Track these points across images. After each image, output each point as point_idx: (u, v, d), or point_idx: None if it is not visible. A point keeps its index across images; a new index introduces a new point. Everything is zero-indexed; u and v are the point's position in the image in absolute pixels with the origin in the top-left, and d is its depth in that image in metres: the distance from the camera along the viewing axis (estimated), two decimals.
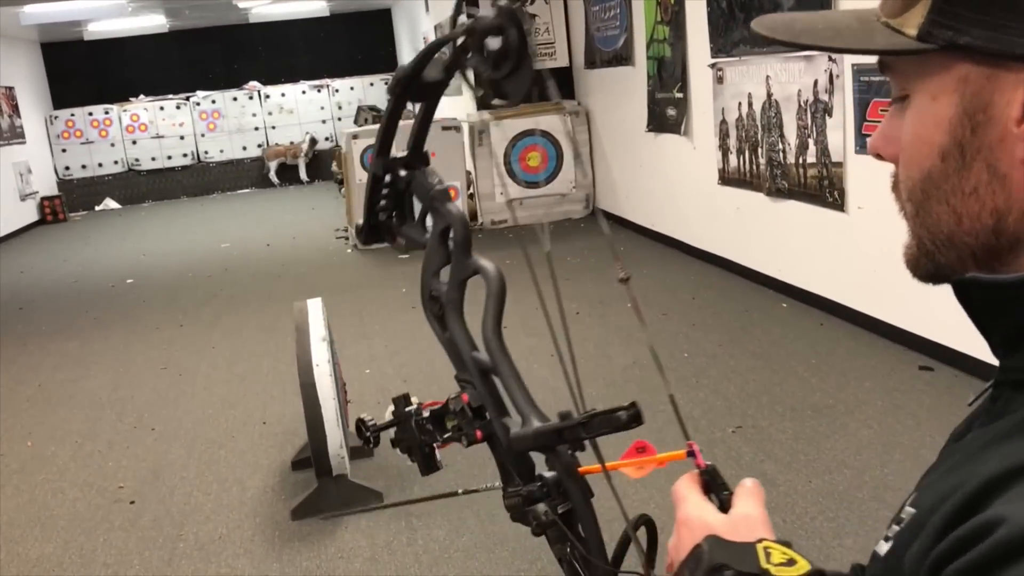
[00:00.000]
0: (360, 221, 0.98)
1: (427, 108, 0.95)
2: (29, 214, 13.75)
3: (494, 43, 0.81)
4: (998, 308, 0.62)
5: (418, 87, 0.90)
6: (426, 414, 0.97)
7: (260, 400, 4.86)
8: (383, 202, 0.97)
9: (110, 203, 15.41)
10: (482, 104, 9.43)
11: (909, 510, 0.65)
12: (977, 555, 0.51)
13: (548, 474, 0.84)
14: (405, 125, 0.94)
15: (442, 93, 0.93)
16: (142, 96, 15.82)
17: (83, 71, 15.84)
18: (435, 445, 0.96)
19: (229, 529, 3.50)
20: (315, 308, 3.69)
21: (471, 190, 9.27)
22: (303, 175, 15.78)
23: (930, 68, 0.61)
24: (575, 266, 7.23)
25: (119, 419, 4.82)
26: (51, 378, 5.70)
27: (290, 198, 14.19)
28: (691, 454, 0.77)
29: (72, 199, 14.98)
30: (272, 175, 15.75)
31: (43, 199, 14.20)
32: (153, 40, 15.27)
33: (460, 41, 0.82)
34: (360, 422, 1.03)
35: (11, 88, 13.91)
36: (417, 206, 0.96)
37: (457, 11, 0.88)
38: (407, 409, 0.98)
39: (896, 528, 0.66)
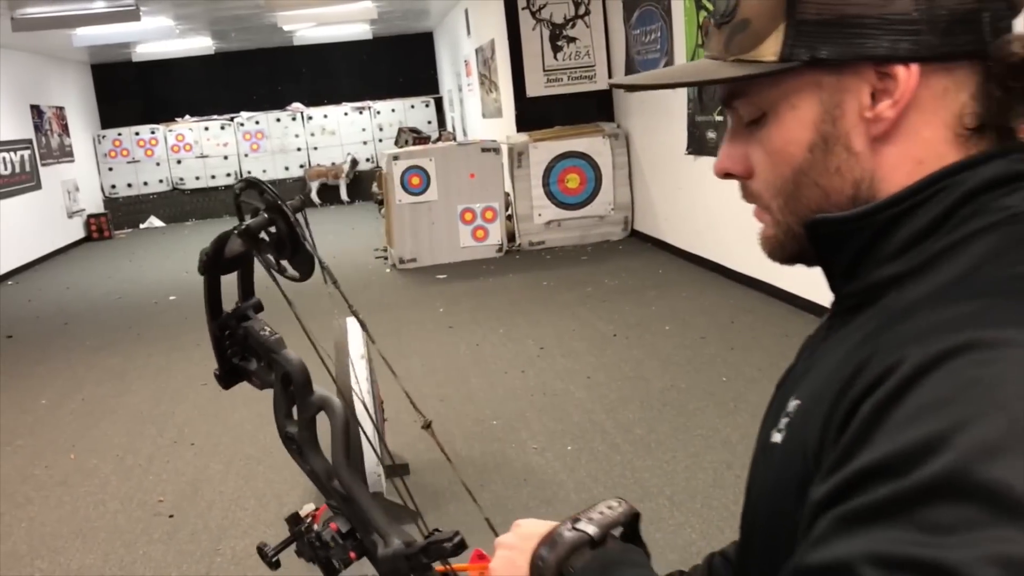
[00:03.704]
0: (222, 366, 1.05)
1: (243, 272, 1.05)
2: (76, 231, 14.03)
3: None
4: (840, 240, 0.75)
5: (225, 262, 0.99)
6: (316, 529, 1.00)
7: None
8: (231, 349, 1.04)
9: (154, 221, 15.68)
10: (520, 126, 9.49)
11: (794, 403, 0.76)
12: (886, 390, 0.60)
13: None
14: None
15: (252, 258, 1.02)
16: (188, 116, 16.11)
17: (131, 92, 16.19)
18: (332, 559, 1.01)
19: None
20: (354, 326, 3.72)
21: (509, 211, 9.31)
22: (344, 195, 15.95)
23: (787, 84, 0.75)
24: (613, 288, 7.22)
25: (160, 434, 4.89)
26: (94, 392, 5.79)
27: (331, 218, 14.33)
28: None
29: (117, 217, 15.26)
30: (313, 195, 15.93)
31: (89, 216, 14.48)
32: (200, 62, 15.56)
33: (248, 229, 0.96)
34: (260, 551, 1.06)
35: (61, 108, 14.24)
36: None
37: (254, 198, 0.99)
38: (298, 527, 1.02)
39: (786, 420, 0.76)
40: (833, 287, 0.80)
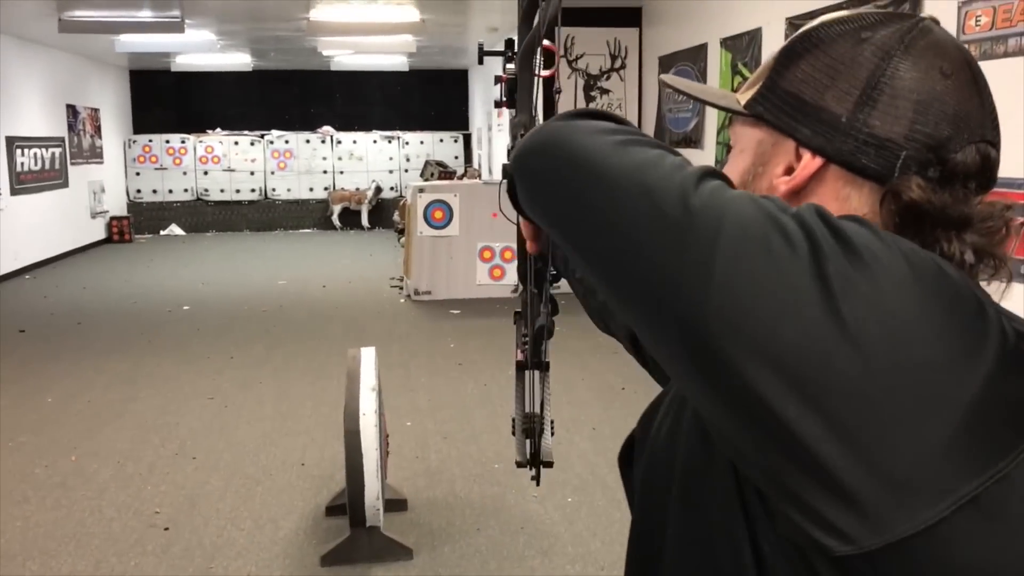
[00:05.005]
0: None
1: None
2: (97, 232, 14.14)
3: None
4: None
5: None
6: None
7: (301, 441, 4.90)
8: None
9: (175, 229, 15.79)
10: None
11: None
12: None
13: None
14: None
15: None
16: (219, 129, 16.28)
17: (166, 100, 16.38)
18: None
19: (259, 567, 3.51)
20: (368, 357, 3.74)
21: None
22: (365, 221, 16.04)
23: (746, 129, 0.86)
24: None
25: (162, 444, 4.89)
26: (101, 396, 5.81)
27: (350, 242, 14.40)
28: None
29: (140, 221, 15.39)
30: (335, 218, 16.03)
31: (112, 219, 14.60)
32: (236, 77, 15.75)
33: None
34: (480, 46, 1.24)
35: (96, 110, 14.42)
36: None
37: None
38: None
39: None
40: None
